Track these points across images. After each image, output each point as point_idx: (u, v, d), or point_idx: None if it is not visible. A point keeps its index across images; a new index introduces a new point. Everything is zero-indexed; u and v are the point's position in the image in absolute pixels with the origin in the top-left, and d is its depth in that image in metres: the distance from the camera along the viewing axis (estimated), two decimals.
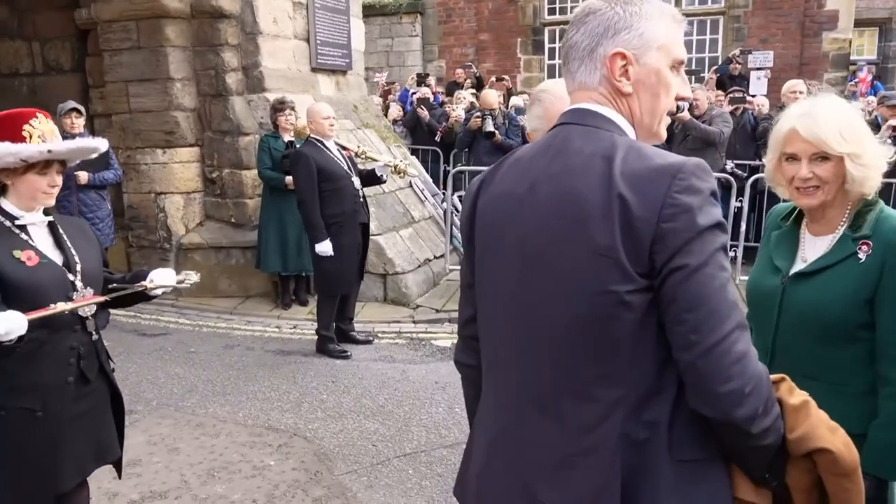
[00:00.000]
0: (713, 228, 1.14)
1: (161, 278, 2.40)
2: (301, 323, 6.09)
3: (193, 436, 4.00)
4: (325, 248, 5.03)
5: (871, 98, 8.54)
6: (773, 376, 1.25)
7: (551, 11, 13.35)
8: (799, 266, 1.84)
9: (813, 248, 1.85)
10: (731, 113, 7.56)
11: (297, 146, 5.59)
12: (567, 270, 1.18)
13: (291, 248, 6.15)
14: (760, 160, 4.67)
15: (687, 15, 11.16)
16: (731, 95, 8.12)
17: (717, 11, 12.58)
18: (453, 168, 7.85)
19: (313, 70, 7.47)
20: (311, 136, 5.22)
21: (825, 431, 1.22)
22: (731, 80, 10.06)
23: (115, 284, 2.39)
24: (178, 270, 2.49)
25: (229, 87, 6.70)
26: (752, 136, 7.55)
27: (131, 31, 6.62)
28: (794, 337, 1.81)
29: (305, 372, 4.97)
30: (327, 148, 5.15)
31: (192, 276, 2.48)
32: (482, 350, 1.40)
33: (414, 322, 6.10)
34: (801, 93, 6.62)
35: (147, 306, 5.27)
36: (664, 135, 1.34)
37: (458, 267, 4.35)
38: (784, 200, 2.00)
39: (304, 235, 5.80)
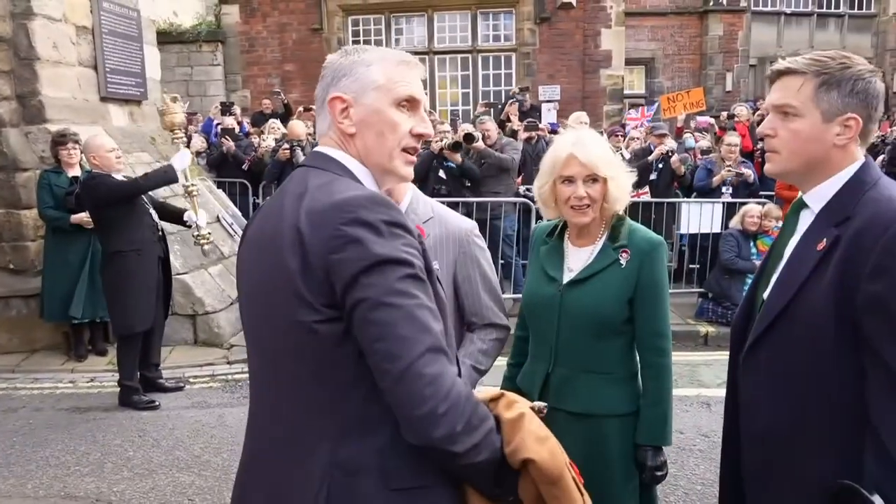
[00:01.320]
0: (388, 258, 1.16)
1: None
2: (100, 375, 5.55)
3: None
4: (182, 158, 5.02)
5: (642, 129, 9.61)
6: (492, 392, 1.31)
7: (356, 43, 13.55)
8: (568, 274, 2.12)
9: (576, 258, 2.14)
10: (527, 140, 8.13)
11: (83, 180, 5.14)
12: (269, 304, 1.26)
13: (82, 292, 5.60)
14: None
15: (482, 51, 11.94)
16: (526, 124, 8.74)
17: (508, 49, 13.57)
18: (262, 200, 7.63)
19: (103, 99, 6.93)
20: (95, 171, 4.84)
21: (533, 442, 1.24)
22: (523, 111, 10.82)
23: None
24: None
25: (1, 117, 6.04)
26: None
27: None
28: (573, 335, 2.07)
29: (107, 429, 4.53)
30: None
31: None
32: None
33: (228, 363, 5.80)
34: (585, 123, 7.30)
35: None
36: (405, 172, 1.38)
37: None
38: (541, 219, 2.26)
39: (95, 278, 5.33)
